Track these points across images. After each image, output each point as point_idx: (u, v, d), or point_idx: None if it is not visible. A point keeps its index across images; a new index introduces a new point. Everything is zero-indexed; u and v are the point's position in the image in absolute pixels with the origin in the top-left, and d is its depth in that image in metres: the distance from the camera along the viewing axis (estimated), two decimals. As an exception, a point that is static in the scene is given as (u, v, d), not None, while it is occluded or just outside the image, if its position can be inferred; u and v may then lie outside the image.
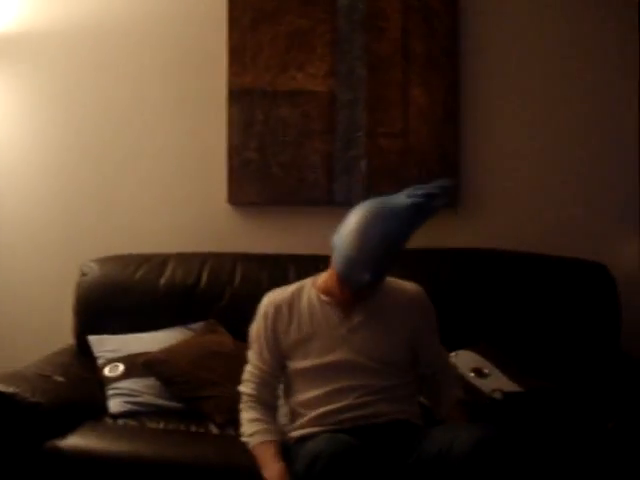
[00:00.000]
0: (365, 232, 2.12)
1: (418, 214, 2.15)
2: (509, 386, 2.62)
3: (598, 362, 2.85)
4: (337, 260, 2.16)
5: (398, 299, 2.33)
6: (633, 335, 3.05)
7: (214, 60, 3.31)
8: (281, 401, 2.45)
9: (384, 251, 2.12)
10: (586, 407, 2.50)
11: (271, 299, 2.34)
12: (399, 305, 2.31)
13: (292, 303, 2.31)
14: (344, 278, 2.16)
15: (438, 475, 2.01)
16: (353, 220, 2.16)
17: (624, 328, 2.98)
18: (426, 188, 2.17)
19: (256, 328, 2.34)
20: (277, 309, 2.30)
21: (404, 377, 2.26)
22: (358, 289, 2.18)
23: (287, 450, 2.21)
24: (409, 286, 2.38)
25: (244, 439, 2.25)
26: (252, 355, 2.34)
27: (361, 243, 2.11)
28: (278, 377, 2.33)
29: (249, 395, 2.30)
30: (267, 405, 2.30)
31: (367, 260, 2.11)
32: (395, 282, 2.37)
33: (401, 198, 2.17)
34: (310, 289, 2.33)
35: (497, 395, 2.52)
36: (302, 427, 2.24)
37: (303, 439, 2.16)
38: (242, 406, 2.31)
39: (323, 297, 2.29)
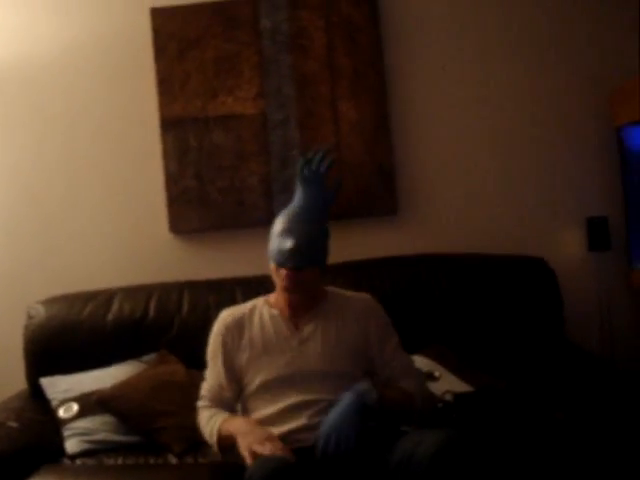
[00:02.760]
0: (281, 221, 2.29)
1: (308, 182, 2.30)
2: (460, 387, 2.67)
3: (545, 352, 2.92)
4: (271, 256, 2.29)
5: (346, 308, 2.37)
6: (575, 322, 3.14)
7: (144, 92, 3.34)
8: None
9: (303, 221, 2.26)
10: (535, 399, 2.56)
11: (223, 317, 2.39)
12: (348, 314, 2.35)
13: (243, 321, 2.36)
14: (280, 262, 2.26)
15: None
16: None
17: (566, 317, 3.07)
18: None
19: (211, 347, 2.38)
20: (227, 327, 2.35)
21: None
22: (294, 267, 2.24)
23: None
24: (357, 295, 2.43)
25: (209, 438, 2.28)
26: (208, 373, 2.38)
27: (282, 231, 2.27)
28: (234, 395, 2.34)
29: (205, 406, 2.35)
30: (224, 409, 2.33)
31: (291, 232, 2.25)
32: (344, 293, 2.43)
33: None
34: (262, 306, 2.39)
35: (448, 397, 2.56)
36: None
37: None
38: (199, 416, 2.35)
39: (273, 311, 2.35)
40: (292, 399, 2.24)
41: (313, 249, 2.27)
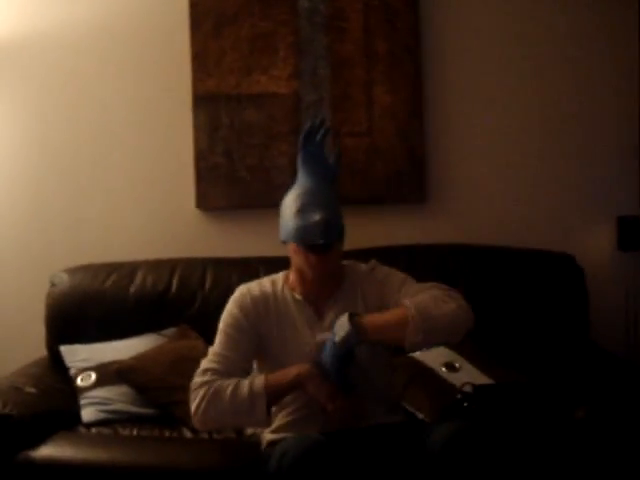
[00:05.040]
0: (295, 200, 2.18)
1: (312, 156, 2.22)
2: (480, 379, 2.63)
3: (568, 352, 2.87)
4: (292, 235, 2.15)
5: (364, 286, 2.25)
6: (601, 324, 3.09)
7: (178, 66, 3.32)
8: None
9: (320, 195, 2.17)
10: (556, 397, 2.53)
11: (247, 291, 2.25)
12: (367, 292, 2.24)
13: (268, 299, 2.24)
14: (309, 240, 2.12)
15: (415, 470, 2.00)
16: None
17: (592, 317, 3.02)
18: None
19: (229, 318, 2.23)
20: (254, 302, 2.22)
21: (377, 379, 2.21)
22: (326, 242, 2.12)
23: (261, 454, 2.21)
24: (364, 267, 2.30)
25: (243, 402, 2.08)
26: (218, 345, 2.21)
27: (301, 207, 2.15)
28: (245, 371, 2.21)
29: (215, 379, 2.13)
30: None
31: (314, 206, 2.14)
32: (358, 268, 2.30)
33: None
34: (284, 287, 2.27)
35: (467, 388, 2.53)
36: (277, 430, 2.21)
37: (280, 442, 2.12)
38: (209, 389, 2.10)
39: (296, 296, 2.24)
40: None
41: (339, 221, 2.18)
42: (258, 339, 2.22)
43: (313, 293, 2.24)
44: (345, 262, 2.31)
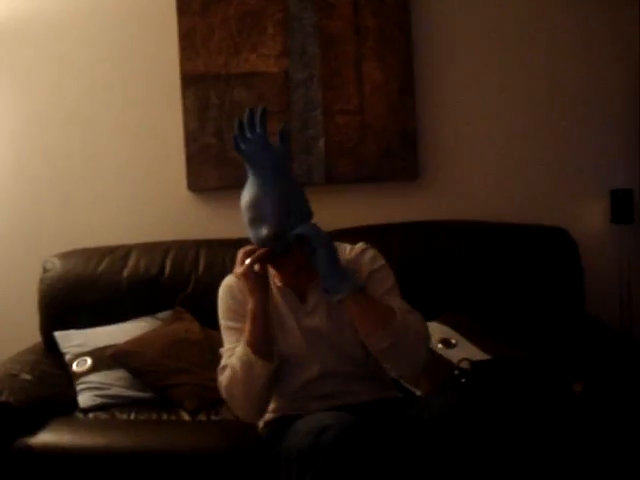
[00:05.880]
0: (246, 208, 2.09)
1: (252, 152, 2.05)
2: (477, 354, 2.65)
3: (563, 325, 2.89)
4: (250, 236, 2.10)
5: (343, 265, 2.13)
6: (596, 297, 3.10)
7: (166, 47, 3.28)
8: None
9: (267, 197, 2.04)
10: (553, 371, 2.53)
11: (233, 282, 2.20)
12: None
13: None
14: (260, 244, 2.07)
15: (414, 440, 1.96)
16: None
17: (587, 291, 3.03)
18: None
19: (227, 312, 2.20)
20: (241, 291, 2.16)
21: (370, 363, 2.17)
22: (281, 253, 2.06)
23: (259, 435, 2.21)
24: (349, 248, 2.22)
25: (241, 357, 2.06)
26: (226, 342, 2.19)
27: (251, 220, 2.07)
28: None
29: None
30: None
31: (261, 218, 2.04)
32: (343, 250, 2.21)
33: None
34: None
35: (465, 364, 2.54)
36: (274, 411, 2.21)
37: (284, 420, 2.12)
38: (223, 392, 2.12)
39: (278, 283, 2.20)
40: (313, 371, 2.15)
41: (293, 224, 2.03)
42: None
43: (292, 281, 2.19)
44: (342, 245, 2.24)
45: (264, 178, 2.06)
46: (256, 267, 2.04)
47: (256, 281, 2.05)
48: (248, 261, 2.02)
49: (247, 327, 2.07)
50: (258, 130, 2.04)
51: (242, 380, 2.06)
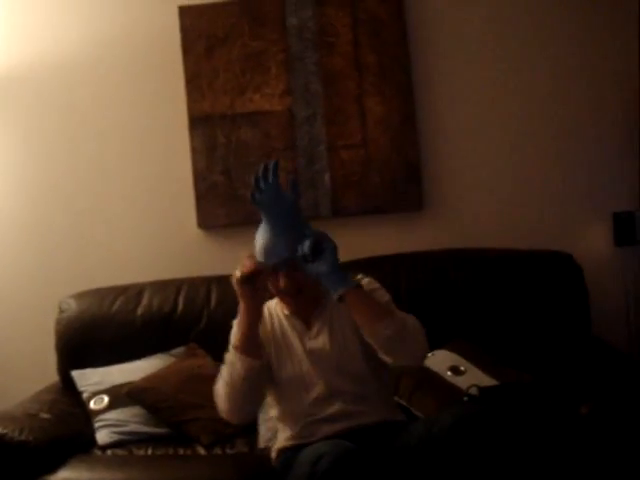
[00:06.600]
0: (258, 245, 2.25)
1: (267, 202, 2.18)
2: (485, 381, 2.68)
3: (571, 349, 2.91)
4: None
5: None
6: (602, 319, 3.13)
7: (173, 90, 3.38)
8: (266, 415, 2.51)
9: (277, 240, 2.19)
10: (560, 394, 2.56)
11: (272, 308, 2.37)
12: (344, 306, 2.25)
13: (264, 316, 2.33)
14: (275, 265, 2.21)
15: (423, 456, 2.02)
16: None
17: (593, 313, 3.05)
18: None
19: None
20: (271, 320, 2.35)
21: (374, 381, 2.27)
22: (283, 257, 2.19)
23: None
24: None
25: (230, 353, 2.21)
26: None
27: (259, 253, 2.23)
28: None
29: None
30: None
31: (274, 248, 2.19)
32: None
33: None
34: (276, 306, 2.38)
35: (473, 391, 2.57)
36: (287, 439, 2.27)
37: (296, 449, 2.18)
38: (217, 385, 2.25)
39: (285, 311, 2.35)
40: (319, 390, 2.24)
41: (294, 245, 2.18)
42: (267, 348, 2.30)
43: (295, 308, 2.33)
44: None
45: (277, 222, 2.20)
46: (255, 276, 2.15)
47: (245, 289, 2.17)
48: (238, 274, 2.15)
49: (234, 330, 2.24)
50: (271, 180, 2.16)
51: (225, 378, 2.20)
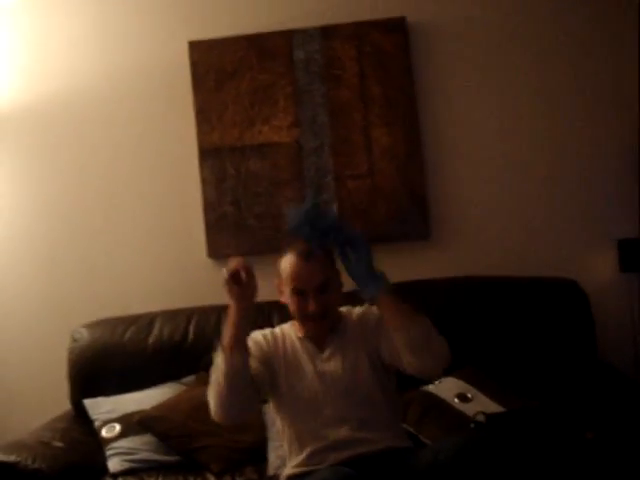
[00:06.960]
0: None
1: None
2: (492, 407, 2.70)
3: (577, 375, 2.94)
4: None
5: (357, 322, 2.37)
6: (609, 345, 3.16)
7: (183, 122, 3.46)
8: (276, 443, 2.54)
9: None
10: (566, 420, 2.58)
11: (258, 331, 2.40)
12: (361, 325, 2.35)
13: (276, 338, 2.38)
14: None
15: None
16: None
17: (600, 339, 3.08)
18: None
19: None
20: (265, 338, 2.37)
21: (383, 407, 2.30)
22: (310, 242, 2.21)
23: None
24: (358, 309, 2.42)
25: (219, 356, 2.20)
26: None
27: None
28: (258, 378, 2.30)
29: None
30: None
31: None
32: (349, 310, 2.42)
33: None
34: (289, 328, 2.42)
35: (480, 417, 2.59)
36: (295, 466, 2.30)
37: (303, 476, 2.20)
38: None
39: (299, 334, 2.38)
40: (327, 414, 2.26)
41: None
42: (268, 371, 2.31)
43: (313, 332, 2.35)
44: (341, 309, 2.42)
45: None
46: (242, 275, 2.14)
47: (233, 288, 2.15)
48: (225, 274, 2.13)
49: (223, 331, 2.22)
50: (330, 221, 2.19)
51: (213, 377, 2.19)
